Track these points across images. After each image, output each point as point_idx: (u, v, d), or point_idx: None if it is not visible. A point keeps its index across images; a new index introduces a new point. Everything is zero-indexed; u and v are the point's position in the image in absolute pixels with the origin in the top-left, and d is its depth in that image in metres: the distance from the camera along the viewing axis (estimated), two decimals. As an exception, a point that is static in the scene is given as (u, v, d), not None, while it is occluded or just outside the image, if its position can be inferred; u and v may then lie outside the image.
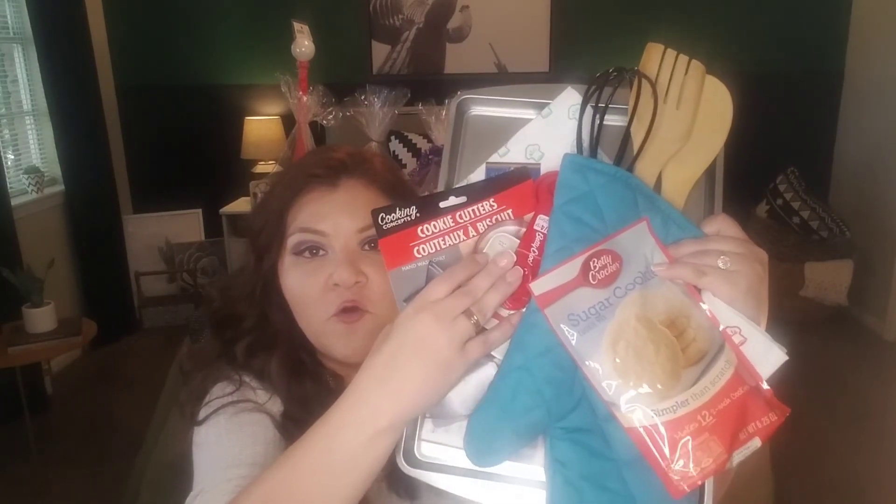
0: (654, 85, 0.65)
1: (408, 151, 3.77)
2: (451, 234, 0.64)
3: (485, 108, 0.73)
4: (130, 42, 4.08)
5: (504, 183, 0.65)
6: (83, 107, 3.58)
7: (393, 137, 3.75)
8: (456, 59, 4.18)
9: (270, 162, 3.90)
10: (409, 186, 0.89)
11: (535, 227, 0.63)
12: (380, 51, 4.18)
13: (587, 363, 0.57)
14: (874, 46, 3.94)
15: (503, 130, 0.71)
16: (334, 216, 0.78)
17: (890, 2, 3.82)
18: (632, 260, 0.60)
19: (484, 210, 0.64)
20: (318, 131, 3.57)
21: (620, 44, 4.16)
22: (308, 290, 0.77)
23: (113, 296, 3.80)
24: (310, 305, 0.78)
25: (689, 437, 0.55)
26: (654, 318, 0.59)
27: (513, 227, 0.64)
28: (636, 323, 0.58)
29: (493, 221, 0.64)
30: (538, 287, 0.59)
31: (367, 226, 0.77)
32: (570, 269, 0.59)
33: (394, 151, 3.76)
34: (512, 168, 0.67)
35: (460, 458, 0.61)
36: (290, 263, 0.79)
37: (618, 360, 0.57)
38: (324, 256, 0.78)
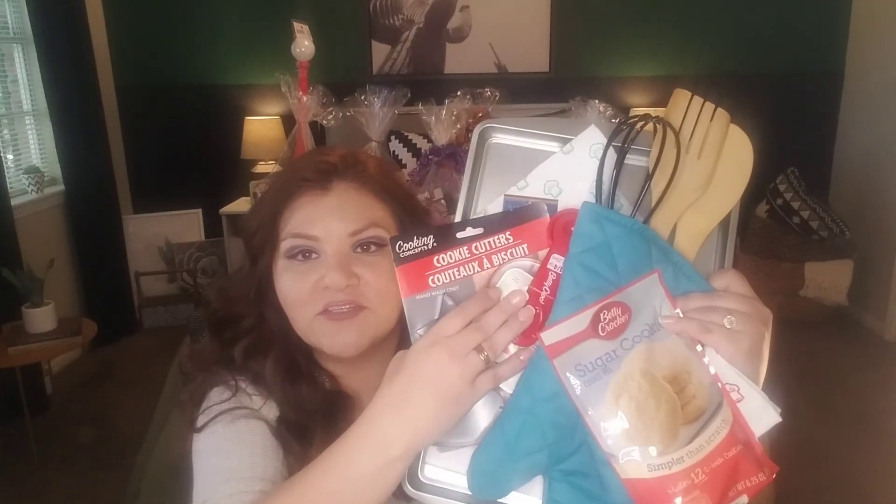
0: (678, 136, 0.65)
1: (408, 151, 3.77)
2: (466, 266, 0.64)
3: (507, 136, 0.72)
4: (130, 42, 4.08)
5: (521, 217, 0.66)
6: (83, 107, 3.58)
7: (393, 137, 3.75)
8: (456, 59, 4.18)
9: (270, 162, 3.90)
10: (404, 188, 0.88)
11: (548, 266, 0.63)
12: (380, 51, 4.17)
13: (590, 413, 0.59)
14: (874, 46, 3.94)
15: (524, 161, 0.71)
16: (325, 220, 0.78)
17: (890, 2, 3.82)
18: (641, 311, 0.61)
19: (499, 243, 0.65)
20: (318, 131, 3.57)
21: (620, 44, 4.19)
22: (298, 291, 0.78)
23: (113, 296, 3.80)
24: (299, 305, 0.78)
25: (680, 496, 0.57)
26: (657, 373, 0.60)
27: (527, 263, 0.65)
28: (640, 378, 0.59)
29: (509, 255, 0.65)
30: (549, 337, 0.60)
31: (359, 229, 0.78)
32: (581, 321, 0.60)
33: (394, 151, 3.76)
34: (530, 202, 0.68)
35: (462, 483, 0.63)
36: (283, 267, 0.79)
37: (620, 414, 0.58)
38: (316, 259, 0.78)
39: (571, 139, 0.70)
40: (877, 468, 2.61)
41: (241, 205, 3.90)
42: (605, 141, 0.68)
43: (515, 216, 0.66)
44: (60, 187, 3.64)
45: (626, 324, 0.61)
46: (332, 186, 0.80)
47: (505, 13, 4.11)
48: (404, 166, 3.59)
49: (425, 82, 3.47)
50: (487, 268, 0.64)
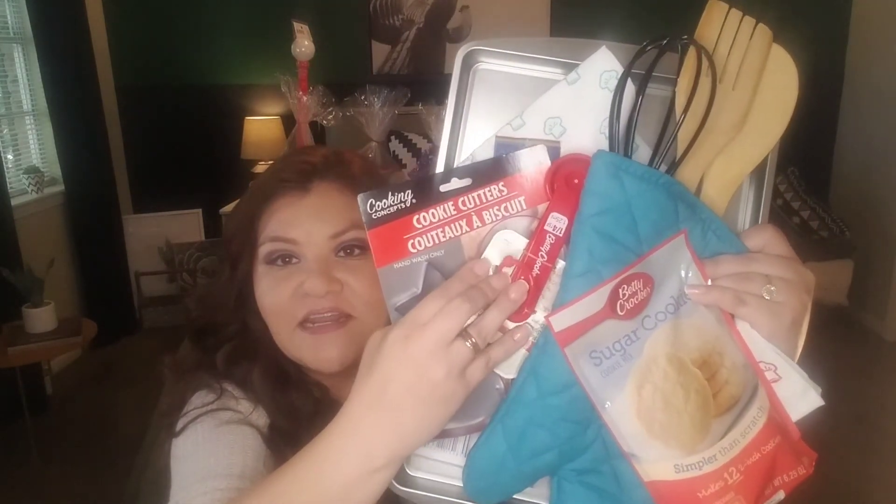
0: (712, 62, 0.52)
1: (408, 151, 3.77)
2: (453, 225, 0.54)
3: (498, 62, 0.59)
4: (130, 42, 4.07)
5: (516, 164, 0.55)
6: (83, 107, 3.58)
7: (393, 137, 3.75)
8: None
9: (270, 162, 3.90)
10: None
11: (545, 228, 0.53)
12: (380, 51, 4.17)
13: (607, 407, 0.50)
14: (874, 46, 3.94)
15: (519, 93, 0.58)
16: (305, 223, 0.74)
17: (890, 2, 3.82)
18: (664, 282, 0.51)
19: (492, 196, 0.54)
20: (318, 131, 3.57)
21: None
22: (277, 298, 0.74)
23: (113, 296, 3.80)
24: (278, 314, 0.75)
25: (712, 500, 0.50)
26: (685, 356, 0.51)
27: (524, 221, 0.54)
28: (666, 364, 0.51)
29: (503, 210, 0.54)
30: (559, 322, 0.50)
31: (341, 231, 0.74)
32: (597, 299, 0.50)
33: (394, 151, 3.76)
34: (527, 145, 0.56)
35: (454, 474, 0.56)
36: (262, 272, 0.76)
37: (642, 407, 0.50)
38: (296, 264, 0.75)
39: (578, 65, 0.57)
40: (876, 468, 2.61)
41: (241, 205, 3.90)
42: (619, 68, 0.55)
43: (509, 163, 0.55)
44: (60, 187, 3.64)
45: (647, 298, 0.51)
46: (313, 187, 0.76)
47: (505, 13, 4.11)
48: (404, 166, 3.60)
49: (425, 82, 3.46)
50: (478, 226, 0.54)
